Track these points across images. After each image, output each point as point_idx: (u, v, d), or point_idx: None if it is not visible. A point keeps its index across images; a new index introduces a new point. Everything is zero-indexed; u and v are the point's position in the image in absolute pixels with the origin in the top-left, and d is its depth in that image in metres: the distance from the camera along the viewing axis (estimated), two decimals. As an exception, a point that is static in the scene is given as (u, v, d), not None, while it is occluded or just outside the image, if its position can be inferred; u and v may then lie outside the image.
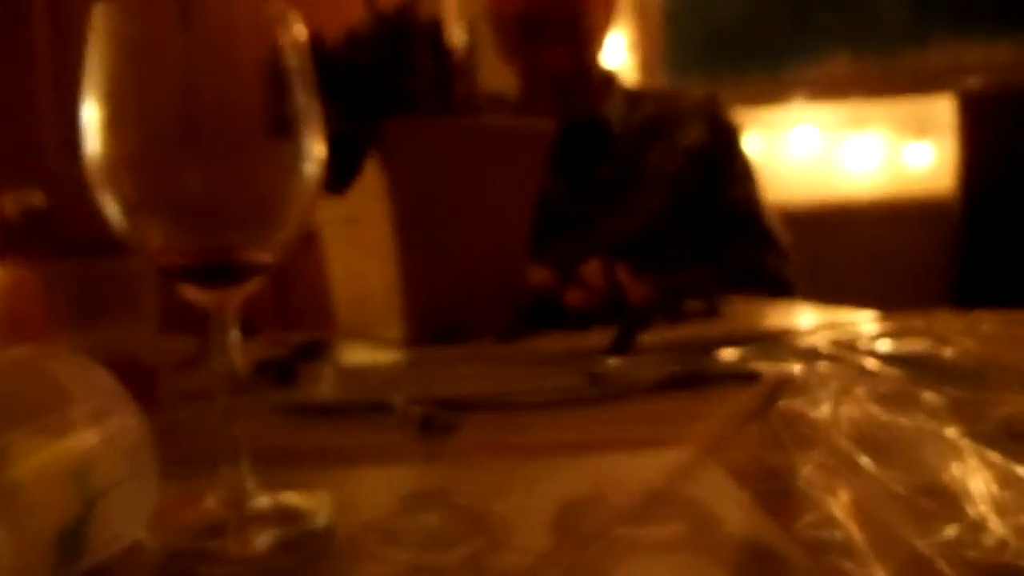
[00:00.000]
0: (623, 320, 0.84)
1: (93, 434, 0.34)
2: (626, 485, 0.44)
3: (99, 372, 0.37)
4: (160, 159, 0.38)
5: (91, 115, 0.38)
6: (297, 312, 1.60)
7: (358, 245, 0.97)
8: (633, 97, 1.62)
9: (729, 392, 0.61)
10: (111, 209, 0.39)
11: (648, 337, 0.82)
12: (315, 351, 0.89)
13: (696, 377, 0.67)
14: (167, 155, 0.38)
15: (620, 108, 1.58)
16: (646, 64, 2.66)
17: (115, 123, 0.38)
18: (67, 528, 0.31)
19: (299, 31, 0.40)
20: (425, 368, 0.80)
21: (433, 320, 0.89)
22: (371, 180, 0.84)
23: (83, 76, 0.38)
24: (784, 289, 1.44)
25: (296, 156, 0.40)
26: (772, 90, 2.63)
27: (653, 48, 2.67)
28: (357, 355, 0.86)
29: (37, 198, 2.16)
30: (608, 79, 1.61)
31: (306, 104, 0.40)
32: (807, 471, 0.38)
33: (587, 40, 1.53)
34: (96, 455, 0.34)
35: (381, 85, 0.83)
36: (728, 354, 0.73)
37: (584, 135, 1.53)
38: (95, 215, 0.39)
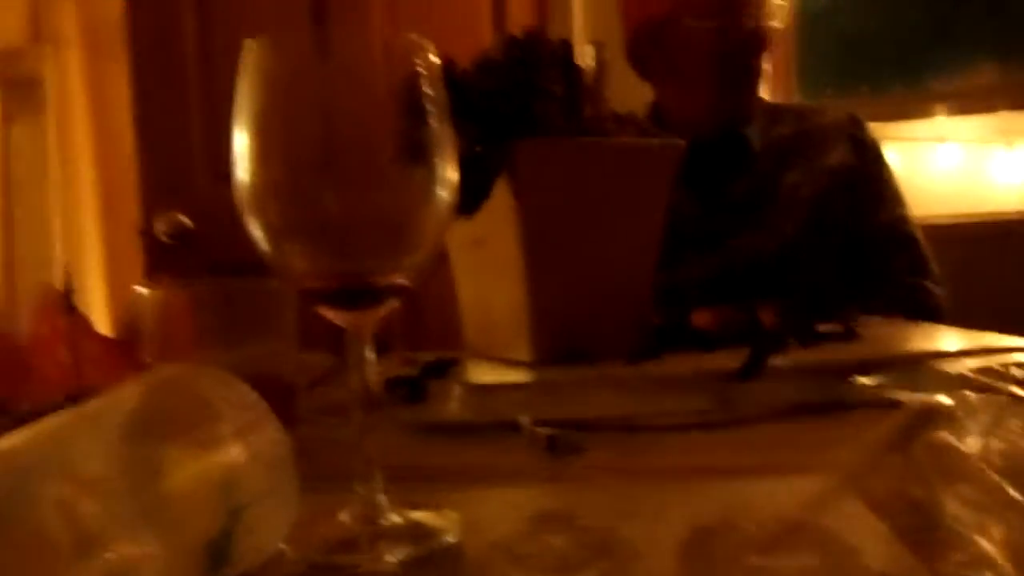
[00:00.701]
0: (755, 343, 0.82)
1: (239, 449, 0.36)
2: (757, 512, 0.43)
3: (243, 389, 0.39)
4: (302, 186, 0.40)
5: (240, 144, 0.40)
6: (427, 331, 1.63)
7: (486, 266, 0.98)
8: (772, 113, 1.58)
9: (868, 420, 0.58)
10: (256, 234, 0.40)
11: (781, 360, 0.80)
12: (444, 370, 0.91)
13: (832, 404, 0.64)
14: (309, 182, 0.40)
15: (759, 124, 1.54)
16: (778, 78, 2.60)
17: (261, 152, 0.40)
18: (214, 539, 0.33)
19: (433, 60, 0.41)
20: (552, 389, 0.80)
21: (561, 341, 0.89)
22: (500, 201, 0.85)
23: (232, 107, 0.40)
24: (936, 317, 1.37)
25: (430, 181, 0.41)
26: (913, 103, 2.51)
27: (786, 61, 2.60)
28: (485, 375, 0.87)
29: (186, 220, 2.29)
30: None
31: (439, 130, 0.41)
32: (954, 506, 0.36)
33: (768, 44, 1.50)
34: (241, 469, 0.36)
35: (511, 108, 0.84)
36: (866, 380, 0.70)
37: (723, 150, 1.50)
38: (240, 238, 0.41)
